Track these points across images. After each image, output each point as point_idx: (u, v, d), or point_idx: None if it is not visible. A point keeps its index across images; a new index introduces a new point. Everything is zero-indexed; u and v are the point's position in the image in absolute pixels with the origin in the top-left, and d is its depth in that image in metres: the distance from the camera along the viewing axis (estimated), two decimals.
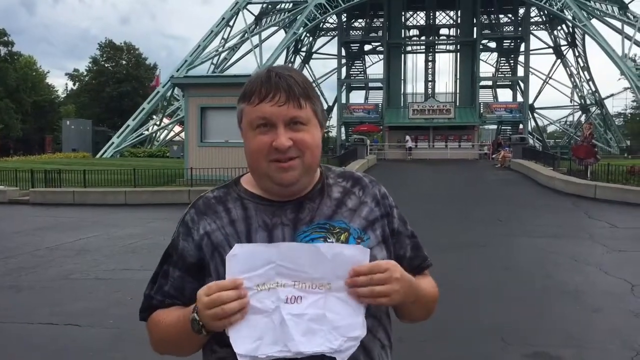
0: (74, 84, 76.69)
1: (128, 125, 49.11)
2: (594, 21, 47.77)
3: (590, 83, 58.24)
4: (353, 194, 1.36)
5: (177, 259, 1.32)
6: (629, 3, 47.66)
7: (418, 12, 61.19)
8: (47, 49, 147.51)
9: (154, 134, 52.86)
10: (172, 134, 53.67)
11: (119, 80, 65.89)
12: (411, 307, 1.32)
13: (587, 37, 51.21)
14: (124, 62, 69.46)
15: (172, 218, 11.32)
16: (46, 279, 7.66)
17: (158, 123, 52.53)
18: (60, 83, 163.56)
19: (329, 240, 1.26)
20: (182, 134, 47.21)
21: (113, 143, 48.28)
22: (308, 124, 1.26)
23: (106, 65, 68.84)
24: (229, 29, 51.57)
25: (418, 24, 62.09)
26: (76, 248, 9.93)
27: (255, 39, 51.18)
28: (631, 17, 46.75)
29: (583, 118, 57.62)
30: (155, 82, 51.92)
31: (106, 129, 58.72)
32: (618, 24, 47.32)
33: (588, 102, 58.84)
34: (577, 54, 58.22)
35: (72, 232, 11.85)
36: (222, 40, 51.79)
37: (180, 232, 1.34)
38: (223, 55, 52.02)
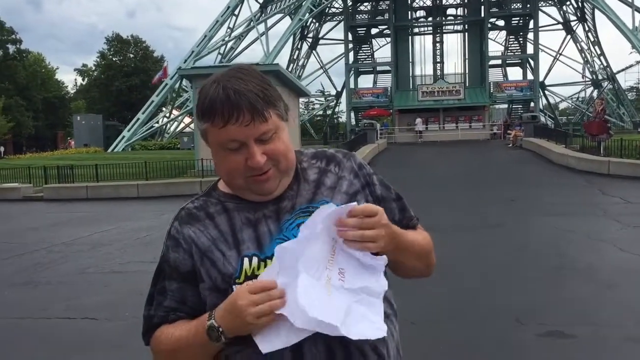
0: (83, 79, 77.10)
1: (138, 119, 49.27)
2: None
3: (602, 58, 57.49)
4: (329, 172, 1.36)
5: (171, 272, 1.31)
6: None
7: None
8: (55, 45, 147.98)
9: (164, 126, 53.00)
10: (182, 125, 53.79)
11: (127, 73, 66.05)
12: (403, 257, 1.31)
13: (596, 11, 50.44)
14: (131, 55, 69.57)
15: None
16: (62, 274, 7.75)
17: (168, 115, 52.64)
18: (69, 79, 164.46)
19: None
20: (192, 125, 47.33)
21: (124, 137, 48.48)
22: (277, 131, 1.24)
23: (114, 60, 69.00)
24: (234, 17, 51.42)
25: (425, 4, 61.45)
26: (91, 242, 10.02)
27: (261, 27, 50.99)
28: None
29: (595, 94, 56.96)
30: (162, 74, 51.90)
31: (117, 123, 58.96)
32: None
33: (599, 77, 58.14)
34: (587, 28, 57.42)
35: (87, 226, 11.96)
36: (228, 30, 51.65)
37: (168, 245, 1.33)
38: (230, 44, 51.90)
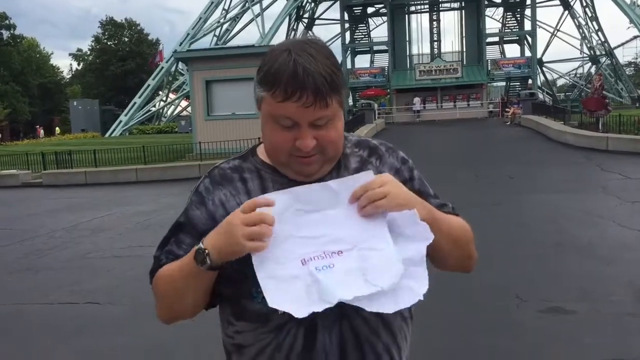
0: (79, 64, 76.64)
1: (135, 103, 49.13)
2: None
3: (599, 33, 57.17)
4: (370, 164, 1.33)
5: (189, 227, 1.30)
6: None
7: None
8: (49, 30, 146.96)
9: (161, 110, 52.87)
10: (179, 109, 53.65)
11: (122, 57, 65.66)
12: (439, 234, 1.21)
13: None
14: (126, 39, 69.11)
15: (184, 193, 11.37)
16: (64, 259, 7.77)
17: (164, 99, 52.47)
18: (64, 64, 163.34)
19: None
20: (189, 109, 47.24)
21: (121, 121, 48.38)
22: (333, 119, 1.21)
23: (109, 44, 68.55)
24: None
25: None
26: (91, 228, 10.04)
27: (257, 8, 50.58)
28: None
29: (593, 69, 56.76)
30: (158, 57, 51.66)
31: (113, 108, 58.75)
32: None
33: (597, 52, 57.88)
34: (584, 4, 57.01)
35: (87, 212, 11.97)
36: (223, 11, 51.25)
37: (192, 200, 1.31)
38: (225, 26, 51.54)
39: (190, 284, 1.23)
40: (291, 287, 1.11)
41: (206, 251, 1.16)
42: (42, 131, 52.04)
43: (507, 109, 35.33)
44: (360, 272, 1.13)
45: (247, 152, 1.36)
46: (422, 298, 1.13)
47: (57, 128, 55.84)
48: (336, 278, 1.12)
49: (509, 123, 30.81)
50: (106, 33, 68.97)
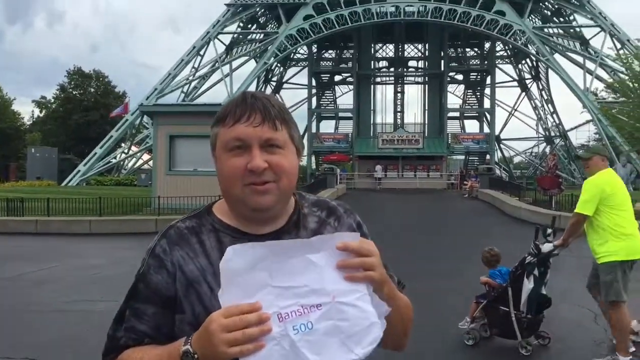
0: (41, 112, 75.58)
1: (95, 153, 48.51)
2: (557, 56, 49.39)
3: (554, 115, 59.80)
4: (328, 225, 1.33)
5: (151, 294, 1.22)
6: (590, 39, 49.39)
7: (387, 45, 62.40)
8: (14, 76, 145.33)
9: (121, 162, 52.30)
10: (140, 162, 53.17)
11: (86, 108, 65.16)
12: (393, 301, 1.23)
13: (550, 71, 52.75)
14: (92, 89, 68.81)
15: (138, 247, 11.09)
16: (4, 311, 7.42)
17: (126, 151, 52.03)
18: (27, 110, 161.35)
19: None
20: (151, 162, 46.78)
21: (79, 171, 47.55)
22: (284, 148, 1.21)
23: (74, 93, 68.07)
24: (199, 58, 51.77)
25: (387, 55, 63.27)
26: (37, 279, 9.66)
27: (226, 68, 51.44)
28: (592, 52, 48.39)
29: (548, 149, 58.95)
30: (123, 109, 51.50)
31: (72, 157, 57.80)
32: (580, 59, 48.92)
33: (552, 133, 60.32)
34: (541, 87, 59.85)
35: (34, 262, 11.54)
36: (193, 69, 51.88)
37: (150, 264, 1.24)
38: (193, 84, 52.06)
39: None
40: (269, 356, 1.06)
41: (196, 355, 1.09)
42: None
43: (465, 182, 36.20)
44: (339, 332, 1.10)
45: (203, 211, 1.33)
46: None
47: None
48: (314, 341, 1.08)
49: (466, 196, 31.48)
50: (72, 82, 68.61)
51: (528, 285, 5.32)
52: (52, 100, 72.07)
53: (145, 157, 52.28)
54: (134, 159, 52.79)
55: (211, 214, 1.30)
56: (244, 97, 1.22)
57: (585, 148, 5.28)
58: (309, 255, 1.11)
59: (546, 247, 5.42)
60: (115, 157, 51.31)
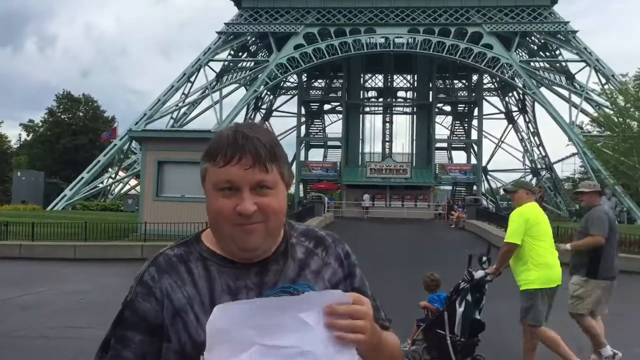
0: (28, 135, 75.21)
1: (82, 178, 48.24)
2: (543, 89, 50.19)
3: (540, 148, 60.46)
4: (316, 255, 1.33)
5: (138, 322, 1.22)
6: (576, 74, 50.32)
7: (376, 75, 63.11)
8: (2, 99, 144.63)
9: (108, 187, 52.02)
10: (127, 187, 52.89)
11: (75, 132, 64.99)
12: (377, 356, 1.23)
13: (536, 104, 53.54)
14: (81, 114, 68.70)
15: (124, 274, 10.98)
16: None
17: (113, 176, 51.80)
18: (14, 134, 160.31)
19: None
20: (137, 188, 46.54)
21: (65, 195, 47.19)
22: (274, 188, 1.21)
23: (62, 117, 67.94)
24: (189, 84, 52.02)
25: (376, 85, 63.97)
26: (22, 304, 9.53)
27: (216, 95, 51.66)
28: (577, 86, 49.25)
29: (534, 181, 59.45)
30: (112, 134, 51.43)
31: (59, 181, 57.36)
32: (565, 93, 49.74)
33: (538, 165, 60.90)
34: (527, 119, 60.62)
35: (18, 287, 11.37)
36: (183, 96, 52.09)
37: (138, 292, 1.24)
38: (183, 110, 52.21)
39: None
40: None
41: None
42: None
43: (452, 212, 36.34)
44: None
45: (192, 239, 1.33)
46: None
47: None
48: None
49: (453, 226, 31.59)
50: (61, 106, 68.53)
51: (460, 309, 5.52)
52: (40, 124, 71.84)
53: (132, 182, 52.05)
54: (121, 184, 52.54)
55: (200, 242, 1.31)
56: (235, 136, 1.20)
57: (513, 182, 5.85)
58: (301, 314, 1.09)
59: (478, 274, 5.62)
60: (102, 182, 51.05)
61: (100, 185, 50.67)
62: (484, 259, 5.85)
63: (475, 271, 5.68)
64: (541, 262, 5.53)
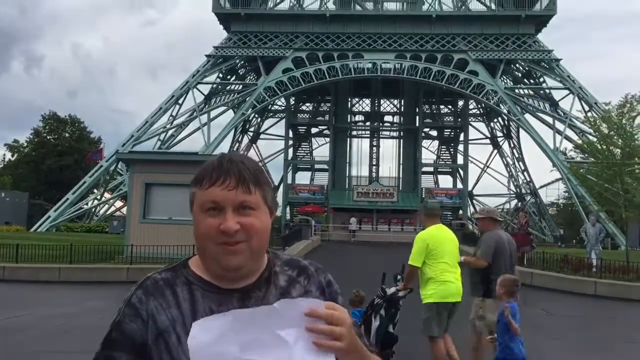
0: (13, 155, 74.60)
1: (67, 199, 47.83)
2: (528, 116, 50.90)
3: (525, 173, 61.02)
4: (298, 283, 1.37)
5: (125, 342, 1.27)
6: (559, 101, 51.12)
7: (364, 99, 63.63)
8: None
9: (93, 209, 51.60)
10: (112, 209, 52.53)
11: (60, 153, 64.58)
12: None
13: (521, 130, 54.19)
14: (67, 134, 68.36)
15: (110, 297, 10.91)
16: None
17: (99, 197, 51.43)
18: None
19: None
20: (123, 209, 46.19)
21: (50, 217, 46.72)
22: (257, 209, 1.28)
23: (48, 138, 67.53)
24: (178, 106, 52.07)
25: (364, 110, 64.43)
26: (5, 327, 9.39)
27: (204, 118, 51.75)
28: (561, 113, 49.98)
29: (519, 206, 59.86)
30: (98, 155, 51.21)
31: (43, 202, 56.81)
32: (549, 119, 50.46)
33: (523, 191, 61.40)
34: (512, 145, 61.26)
35: (1, 310, 11.21)
36: (171, 117, 52.11)
37: (125, 313, 1.29)
38: (170, 132, 52.18)
39: None
40: None
41: None
42: None
43: None
44: None
45: (179, 264, 1.38)
46: None
47: None
48: None
49: None
50: (47, 127, 68.15)
51: (375, 323, 5.98)
52: (25, 144, 71.33)
53: (118, 204, 51.71)
54: (106, 206, 52.18)
55: (187, 267, 1.36)
56: (221, 161, 1.29)
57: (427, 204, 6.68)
58: (279, 331, 1.13)
59: (390, 290, 6.13)
60: (87, 204, 50.64)
61: (85, 207, 50.26)
62: (398, 277, 6.36)
63: (389, 288, 6.18)
64: (439, 279, 6.14)
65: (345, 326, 1.18)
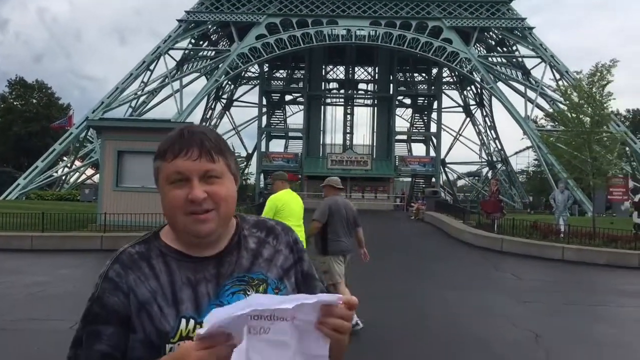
0: None
1: (37, 167, 47.00)
2: (500, 84, 51.29)
3: (497, 141, 61.85)
4: (268, 244, 1.42)
5: (109, 315, 1.29)
6: (531, 69, 51.59)
7: (338, 67, 63.35)
8: None
9: (64, 177, 50.82)
10: (83, 176, 51.78)
11: (28, 119, 63.15)
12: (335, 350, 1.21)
13: (493, 99, 54.66)
14: (34, 100, 66.79)
15: (83, 265, 10.87)
16: None
17: (69, 165, 50.63)
18: None
19: (248, 293, 1.30)
20: (95, 177, 45.64)
21: (19, 184, 45.92)
22: (222, 177, 1.31)
23: (15, 104, 65.91)
24: (149, 72, 51.21)
25: (338, 77, 64.21)
26: None
27: (176, 84, 51.01)
28: (533, 82, 50.49)
29: (490, 174, 60.77)
30: (67, 122, 50.20)
31: (12, 170, 55.73)
32: (521, 88, 50.98)
33: (494, 158, 62.27)
34: (484, 113, 61.87)
35: None
36: (142, 84, 51.23)
37: (105, 288, 1.31)
38: (142, 98, 51.39)
39: None
40: None
41: None
42: None
43: (412, 204, 36.87)
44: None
45: (150, 236, 1.41)
46: None
47: None
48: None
49: (413, 218, 32.09)
50: (14, 93, 66.46)
51: None
52: None
53: (89, 171, 51.00)
54: (77, 174, 51.41)
55: (158, 239, 1.39)
56: (181, 133, 1.32)
57: (274, 174, 7.90)
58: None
59: None
60: (57, 171, 49.84)
61: (55, 175, 49.51)
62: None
63: None
64: None
65: (349, 321, 1.17)
